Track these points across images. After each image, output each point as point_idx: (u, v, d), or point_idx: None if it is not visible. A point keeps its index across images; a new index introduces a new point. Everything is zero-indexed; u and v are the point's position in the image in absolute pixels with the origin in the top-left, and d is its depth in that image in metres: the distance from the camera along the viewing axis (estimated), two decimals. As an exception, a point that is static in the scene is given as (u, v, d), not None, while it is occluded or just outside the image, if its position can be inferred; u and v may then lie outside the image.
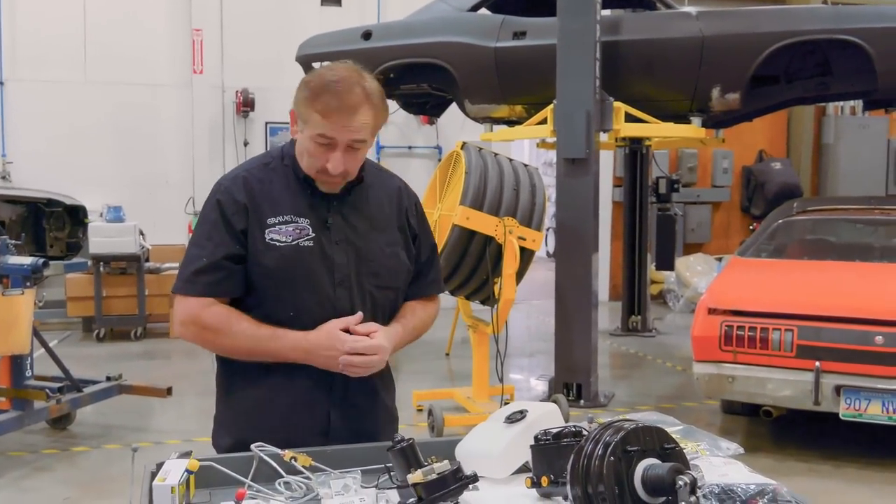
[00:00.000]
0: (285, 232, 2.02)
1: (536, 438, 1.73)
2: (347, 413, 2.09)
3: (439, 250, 3.69)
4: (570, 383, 6.36)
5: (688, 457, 1.56)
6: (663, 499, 1.42)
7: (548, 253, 13.06)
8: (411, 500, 1.58)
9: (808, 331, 4.96)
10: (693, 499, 1.38)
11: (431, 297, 2.28)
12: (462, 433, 1.96)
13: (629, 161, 9.49)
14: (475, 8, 7.58)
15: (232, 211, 2.02)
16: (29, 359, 5.38)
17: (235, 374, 2.11)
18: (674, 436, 1.57)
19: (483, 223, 5.49)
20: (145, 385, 6.03)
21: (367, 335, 2.00)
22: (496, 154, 5.90)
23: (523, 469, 1.80)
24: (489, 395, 5.98)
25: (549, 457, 1.68)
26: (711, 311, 5.23)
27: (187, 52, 10.37)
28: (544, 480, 1.67)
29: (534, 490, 1.70)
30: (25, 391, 5.29)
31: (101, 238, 8.58)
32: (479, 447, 1.87)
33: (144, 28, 10.28)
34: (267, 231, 2.02)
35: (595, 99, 6.27)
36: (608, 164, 11.32)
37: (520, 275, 5.69)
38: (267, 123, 10.61)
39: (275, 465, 1.75)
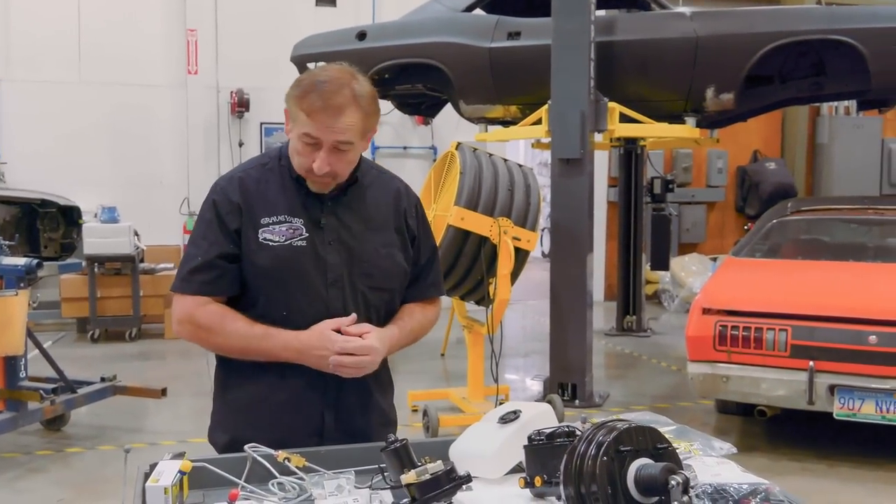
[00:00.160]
0: (279, 232, 2.03)
1: (530, 438, 1.73)
2: (340, 414, 2.09)
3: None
4: (565, 383, 6.36)
5: (681, 457, 1.57)
6: (656, 498, 1.43)
7: (543, 253, 13.06)
8: (405, 500, 1.58)
9: (802, 330, 4.97)
10: (685, 498, 1.38)
11: (432, 300, 2.27)
12: (457, 433, 1.96)
13: (624, 161, 9.50)
14: (470, 8, 7.58)
15: (226, 211, 2.04)
16: (23, 360, 5.36)
17: (232, 371, 2.12)
18: (667, 436, 1.58)
19: (478, 224, 5.49)
20: (140, 386, 6.02)
21: (360, 336, 2.00)
22: (491, 154, 5.90)
23: (517, 469, 1.80)
24: (484, 396, 5.98)
25: (542, 457, 1.68)
26: (706, 311, 5.24)
27: (182, 52, 10.36)
28: (538, 480, 1.67)
29: (527, 490, 1.70)
30: (19, 392, 5.28)
31: (96, 239, 8.56)
32: (472, 447, 1.87)
33: (139, 28, 10.26)
34: (260, 231, 2.03)
35: (590, 99, 6.28)
36: (603, 165, 11.34)
37: (514, 275, 5.69)
38: (262, 124, 10.60)
39: (268, 465, 1.75)
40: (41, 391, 5.31)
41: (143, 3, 10.29)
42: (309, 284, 2.03)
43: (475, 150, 5.82)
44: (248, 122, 10.59)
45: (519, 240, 5.59)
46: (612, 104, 6.52)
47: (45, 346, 5.70)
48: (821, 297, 5.26)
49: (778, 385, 5.02)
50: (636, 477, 1.44)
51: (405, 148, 11.14)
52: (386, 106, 9.74)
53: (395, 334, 2.12)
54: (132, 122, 10.24)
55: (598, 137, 6.85)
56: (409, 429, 5.66)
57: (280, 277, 2.02)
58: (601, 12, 7.28)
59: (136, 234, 8.87)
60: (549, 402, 5.49)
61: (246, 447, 1.78)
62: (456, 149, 5.75)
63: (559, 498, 1.53)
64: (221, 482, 1.75)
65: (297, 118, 1.98)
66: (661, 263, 9.87)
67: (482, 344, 5.90)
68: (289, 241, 2.03)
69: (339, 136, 1.96)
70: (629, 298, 9.55)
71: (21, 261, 5.28)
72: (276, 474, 1.74)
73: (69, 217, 9.33)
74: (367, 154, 2.24)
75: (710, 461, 1.79)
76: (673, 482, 1.38)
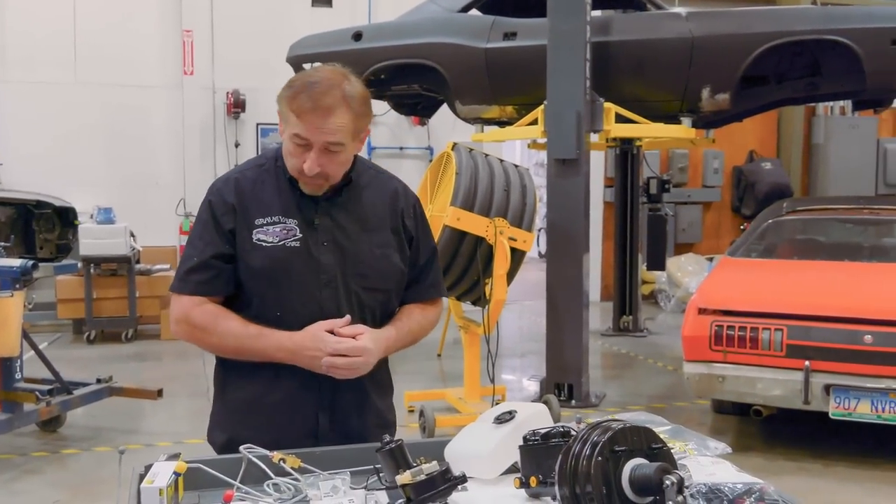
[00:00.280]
0: (272, 232, 2.04)
1: (525, 439, 1.73)
2: (336, 415, 2.09)
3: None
4: (562, 384, 6.36)
5: (675, 456, 1.57)
6: (651, 498, 1.43)
7: (540, 253, 13.08)
8: (400, 501, 1.58)
9: (797, 330, 4.98)
10: (680, 498, 1.38)
11: (432, 301, 2.26)
12: (453, 434, 1.96)
13: (620, 161, 9.51)
14: (466, 9, 7.58)
15: (221, 211, 2.05)
16: (18, 361, 5.36)
17: (230, 371, 2.13)
18: (662, 436, 1.58)
19: (474, 224, 5.49)
20: (136, 387, 6.01)
21: (353, 337, 1.99)
22: (487, 155, 5.90)
23: (512, 469, 1.80)
24: (481, 396, 5.98)
25: (537, 457, 1.68)
26: (701, 311, 5.25)
27: (178, 53, 10.35)
28: (533, 481, 1.67)
29: (522, 490, 1.70)
30: (15, 393, 5.27)
31: (92, 240, 8.55)
32: (468, 448, 1.87)
33: (135, 29, 10.26)
34: (254, 231, 2.04)
35: (585, 99, 6.28)
36: (599, 165, 11.35)
37: (511, 275, 5.69)
38: (258, 125, 10.60)
39: (263, 466, 1.75)
40: (37, 392, 5.30)
41: (139, 3, 10.28)
42: (302, 285, 2.03)
43: (471, 150, 5.82)
44: (244, 122, 10.58)
45: (515, 240, 5.59)
46: (607, 104, 6.53)
47: (40, 347, 5.70)
48: (816, 296, 5.27)
49: (774, 385, 5.03)
50: (631, 477, 1.44)
51: (401, 148, 11.15)
52: (382, 107, 9.76)
53: (392, 335, 2.11)
54: (128, 122, 10.23)
55: (594, 138, 6.85)
56: (405, 429, 5.66)
57: (273, 278, 2.03)
58: (597, 13, 7.28)
59: (132, 234, 8.86)
60: (546, 402, 5.51)
61: (241, 448, 1.78)
62: (452, 149, 5.75)
63: (554, 498, 1.53)
64: (217, 483, 1.75)
65: (287, 119, 1.98)
66: (657, 263, 9.88)
67: (478, 344, 5.90)
68: (282, 242, 2.03)
69: (329, 137, 1.96)
70: (625, 299, 9.56)
71: (16, 262, 5.27)
72: (272, 475, 1.74)
73: (65, 218, 9.32)
74: (363, 154, 2.23)
75: (704, 461, 1.79)
76: (667, 482, 1.38)
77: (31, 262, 5.27)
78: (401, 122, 10.89)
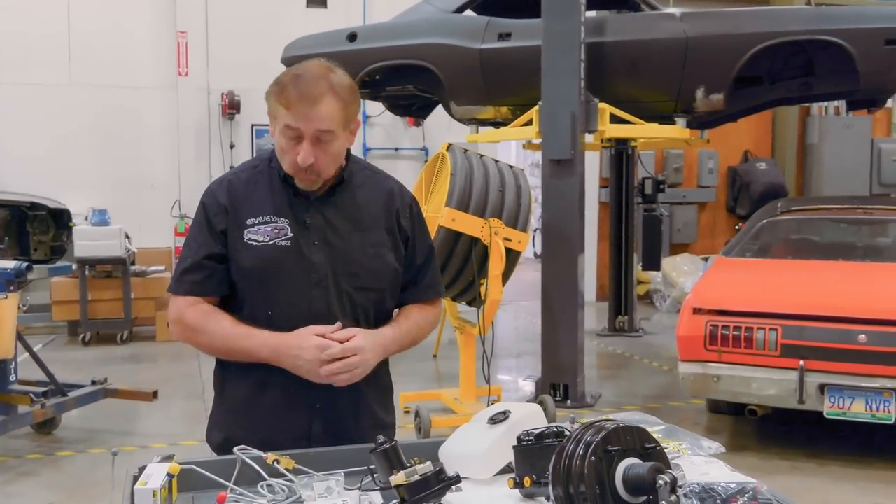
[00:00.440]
0: (263, 232, 2.04)
1: (519, 439, 1.73)
2: (329, 417, 2.08)
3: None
4: (557, 384, 6.37)
5: (669, 456, 1.57)
6: (644, 498, 1.43)
7: (535, 254, 13.07)
8: (394, 501, 1.58)
9: (792, 330, 4.99)
10: (673, 498, 1.38)
11: (430, 302, 2.25)
12: (449, 434, 1.96)
13: (615, 162, 9.52)
14: (460, 9, 7.59)
15: (214, 212, 2.07)
16: (13, 363, 5.34)
17: (228, 372, 2.14)
18: (656, 435, 1.58)
19: (469, 224, 5.50)
20: (131, 389, 6.00)
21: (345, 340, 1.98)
22: (482, 155, 5.91)
23: (506, 470, 1.80)
24: (476, 397, 5.99)
25: (531, 457, 1.68)
26: (696, 311, 5.25)
27: (172, 54, 10.33)
28: (527, 481, 1.67)
29: (516, 490, 1.70)
30: (9, 395, 5.26)
31: (87, 241, 8.53)
32: (462, 448, 1.87)
33: (129, 30, 10.24)
34: (246, 231, 2.05)
35: (580, 100, 6.29)
36: (594, 165, 11.36)
37: (506, 276, 5.69)
38: (253, 126, 10.59)
39: (257, 467, 1.74)
40: (31, 394, 5.29)
41: (133, 4, 10.27)
42: (293, 284, 2.03)
43: (466, 151, 5.82)
44: (238, 123, 10.57)
45: (510, 240, 5.60)
46: (602, 105, 6.54)
47: (35, 349, 5.68)
48: (811, 296, 5.28)
49: (768, 384, 5.04)
50: (624, 477, 1.44)
51: (396, 149, 11.15)
52: (377, 107, 9.78)
53: (389, 335, 2.10)
54: (122, 124, 10.21)
55: (588, 138, 6.87)
56: (401, 430, 5.65)
57: (263, 277, 2.03)
58: (591, 13, 7.29)
59: (127, 236, 8.85)
60: (541, 402, 5.51)
61: (235, 449, 1.77)
62: (447, 150, 5.75)
63: (548, 498, 1.53)
64: (211, 485, 1.74)
65: (277, 113, 1.99)
66: (652, 264, 9.89)
67: (474, 345, 5.90)
68: (273, 241, 2.03)
69: (319, 125, 1.96)
70: (621, 299, 9.57)
71: (10, 264, 5.26)
72: (266, 476, 1.73)
73: (59, 220, 9.31)
74: (358, 155, 2.23)
75: (698, 460, 1.80)
76: (661, 482, 1.38)
77: (25, 264, 5.27)
78: (396, 122, 10.89)
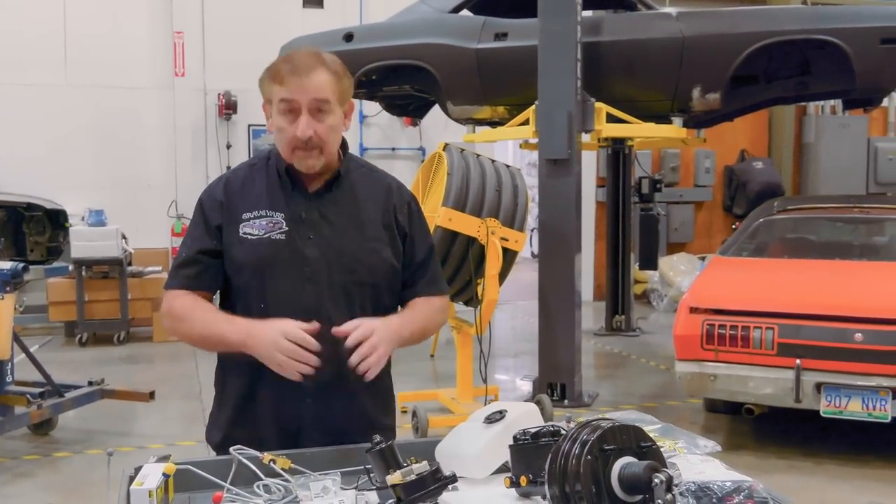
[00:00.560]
0: (258, 226, 2.06)
1: (515, 438, 1.73)
2: (320, 414, 2.07)
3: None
4: (555, 383, 6.37)
5: (665, 455, 1.57)
6: (640, 497, 1.43)
7: (532, 253, 13.08)
8: (390, 501, 1.58)
9: (788, 329, 4.99)
10: (669, 496, 1.38)
11: (435, 296, 2.23)
12: (446, 434, 1.96)
13: (612, 161, 9.52)
14: (457, 9, 7.58)
15: (210, 208, 2.10)
16: (9, 364, 5.34)
17: (226, 371, 2.15)
18: (652, 434, 1.58)
19: (465, 224, 5.50)
20: (128, 389, 5.99)
21: (350, 332, 1.95)
22: (478, 155, 5.91)
23: (502, 469, 1.80)
24: (473, 396, 5.99)
25: (527, 456, 1.69)
26: (693, 310, 5.26)
27: (168, 54, 10.32)
28: (523, 480, 1.67)
29: (513, 490, 1.70)
30: (6, 396, 5.25)
31: (83, 242, 8.52)
32: (458, 448, 1.87)
33: (125, 30, 10.22)
34: (241, 225, 2.06)
35: (576, 99, 6.29)
36: (591, 165, 11.37)
37: (503, 276, 5.70)
38: (249, 126, 10.57)
39: (253, 467, 1.74)
40: (28, 395, 5.28)
41: (129, 5, 10.25)
42: (286, 278, 2.03)
43: (462, 150, 5.83)
44: (235, 124, 10.56)
45: (507, 240, 5.60)
46: (599, 104, 6.54)
47: (31, 350, 5.67)
48: (807, 295, 5.29)
49: (765, 383, 5.04)
50: (620, 475, 1.44)
51: (393, 149, 11.14)
52: (374, 107, 9.77)
53: (396, 319, 2.08)
54: (119, 124, 10.20)
55: (585, 138, 6.86)
56: (398, 430, 5.65)
57: (257, 271, 2.04)
58: (587, 13, 7.30)
59: (124, 237, 8.83)
60: (538, 402, 5.50)
61: (231, 449, 1.78)
62: (443, 150, 5.76)
63: (544, 497, 1.53)
64: (207, 485, 1.75)
65: (272, 94, 2.03)
66: (649, 263, 9.89)
67: (471, 345, 5.90)
68: (267, 235, 2.05)
69: (315, 94, 2.00)
70: (618, 298, 9.58)
71: (6, 265, 5.25)
72: (262, 476, 1.73)
73: (55, 220, 9.29)
74: (355, 153, 2.24)
75: (694, 459, 1.80)
76: (656, 480, 1.38)
77: (21, 265, 5.26)
78: (392, 122, 10.89)
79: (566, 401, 6.30)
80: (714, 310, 5.20)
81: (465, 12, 7.70)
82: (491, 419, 1.87)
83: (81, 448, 5.50)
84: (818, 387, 4.93)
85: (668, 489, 1.39)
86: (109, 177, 10.10)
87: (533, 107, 6.52)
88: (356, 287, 2.08)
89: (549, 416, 5.35)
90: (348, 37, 7.64)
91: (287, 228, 2.05)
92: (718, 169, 12.71)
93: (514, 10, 7.47)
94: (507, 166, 6.06)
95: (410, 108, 8.89)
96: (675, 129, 7.08)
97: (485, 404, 5.49)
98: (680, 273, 10.77)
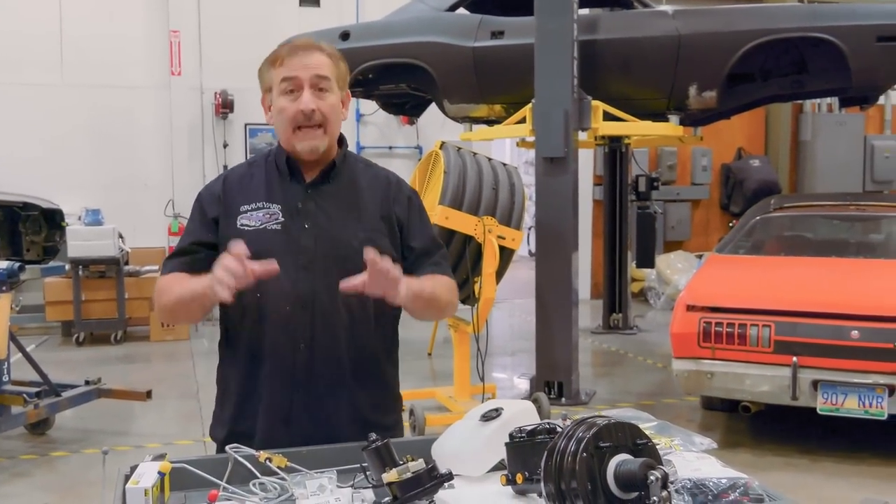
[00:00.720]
0: (255, 217, 2.08)
1: (511, 436, 1.73)
2: (311, 411, 2.06)
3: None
4: (552, 381, 6.38)
5: (661, 452, 1.57)
6: (635, 494, 1.43)
7: (529, 252, 13.09)
8: (386, 499, 1.58)
9: (785, 326, 5.00)
10: (665, 493, 1.39)
11: (441, 275, 2.18)
12: (443, 433, 1.96)
13: (609, 159, 9.52)
14: (453, 8, 7.58)
15: (208, 202, 2.13)
16: (6, 363, 5.33)
17: (225, 367, 2.17)
18: (648, 432, 1.58)
19: (462, 222, 5.50)
20: (125, 389, 5.99)
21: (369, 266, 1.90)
22: (475, 153, 5.91)
23: (499, 467, 1.80)
24: (471, 395, 5.99)
25: (523, 454, 1.69)
26: (690, 308, 5.26)
27: (165, 53, 10.31)
28: (519, 477, 1.67)
29: (509, 487, 1.70)
30: (3, 396, 5.25)
31: (80, 241, 8.51)
32: (454, 446, 1.88)
33: (121, 30, 10.21)
34: (239, 217, 2.09)
35: (573, 98, 6.30)
36: (588, 163, 11.37)
37: (500, 274, 5.70)
38: (246, 125, 10.56)
39: (249, 466, 1.74)
40: (25, 395, 5.28)
41: (126, 4, 10.23)
42: (281, 267, 2.00)
43: (459, 149, 5.83)
44: (232, 123, 10.55)
45: (504, 238, 5.60)
46: (595, 102, 6.54)
47: (28, 349, 5.67)
48: (804, 293, 5.30)
49: (762, 381, 5.05)
50: (616, 473, 1.44)
51: (390, 148, 11.14)
52: (371, 106, 9.76)
53: (409, 279, 2.02)
54: (115, 124, 10.18)
55: (582, 136, 6.87)
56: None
57: (251, 260, 2.03)
58: (584, 11, 7.30)
59: (121, 236, 8.83)
60: (536, 400, 5.52)
61: (227, 448, 1.78)
62: (440, 148, 5.76)
63: (540, 495, 1.53)
64: (203, 483, 1.74)
65: (272, 78, 2.07)
66: (646, 261, 9.90)
67: (468, 343, 5.90)
68: (263, 226, 2.07)
69: (316, 71, 2.05)
70: (615, 296, 9.58)
71: (3, 264, 5.24)
72: (258, 474, 1.73)
73: (52, 220, 9.28)
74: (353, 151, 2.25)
75: (690, 456, 1.80)
76: (652, 477, 1.39)
77: (17, 265, 5.26)
78: (389, 121, 10.89)
79: (563, 399, 6.31)
80: (711, 307, 5.21)
81: (462, 10, 7.70)
82: (487, 417, 1.87)
83: (78, 447, 5.50)
84: (815, 384, 4.94)
85: (664, 486, 1.39)
86: (106, 176, 10.09)
87: (529, 105, 6.52)
88: (351, 276, 2.07)
89: (546, 413, 5.35)
90: (345, 35, 7.63)
91: (283, 219, 2.07)
92: (715, 167, 12.72)
93: (510, 9, 7.47)
94: (504, 164, 6.06)
95: (407, 107, 8.88)
96: (671, 128, 7.09)
97: (482, 402, 5.50)
98: (677, 271, 10.78)
